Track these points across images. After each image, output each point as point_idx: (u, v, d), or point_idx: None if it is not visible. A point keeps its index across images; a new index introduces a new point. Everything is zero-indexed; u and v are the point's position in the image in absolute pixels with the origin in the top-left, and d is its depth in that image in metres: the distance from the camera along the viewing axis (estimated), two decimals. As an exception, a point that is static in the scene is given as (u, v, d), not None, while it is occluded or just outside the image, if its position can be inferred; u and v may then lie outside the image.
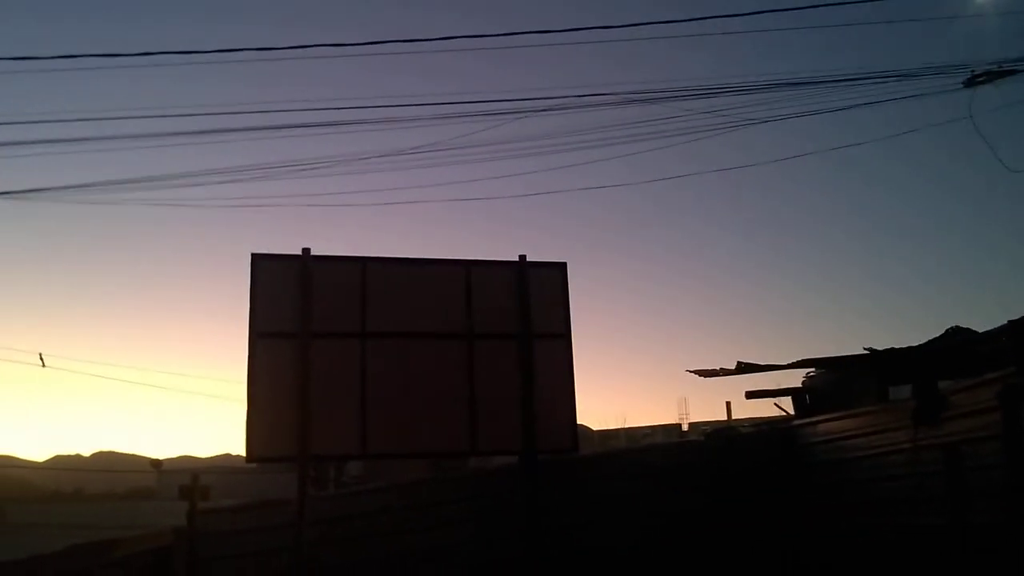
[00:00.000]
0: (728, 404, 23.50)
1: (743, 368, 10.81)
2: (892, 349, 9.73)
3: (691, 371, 11.81)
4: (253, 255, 10.56)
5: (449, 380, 10.87)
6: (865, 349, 9.85)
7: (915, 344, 9.66)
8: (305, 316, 10.43)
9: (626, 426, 23.11)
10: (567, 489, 10.75)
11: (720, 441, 10.98)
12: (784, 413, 12.53)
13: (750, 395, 12.15)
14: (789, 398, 11.98)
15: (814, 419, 10.21)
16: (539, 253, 12.16)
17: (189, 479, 11.26)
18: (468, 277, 11.14)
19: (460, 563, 10.50)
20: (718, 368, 11.21)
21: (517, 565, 10.07)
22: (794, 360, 10.64)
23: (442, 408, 10.79)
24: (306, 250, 10.71)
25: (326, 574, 10.12)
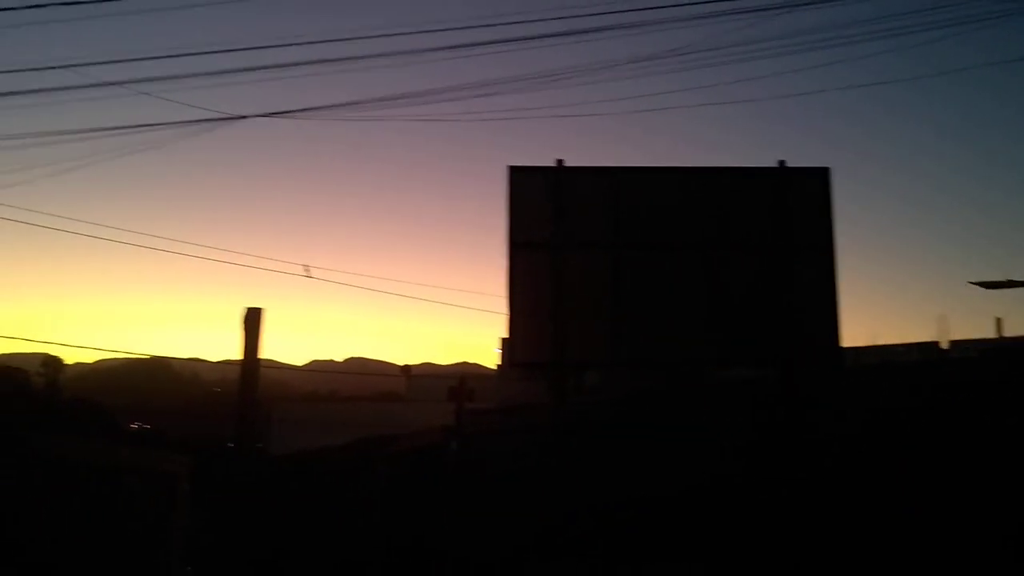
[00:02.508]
0: (999, 320, 21.60)
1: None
2: None
3: (974, 283, 10.94)
4: (509, 168, 10.79)
5: (702, 291, 10.70)
6: None
7: None
8: (560, 226, 10.59)
9: (877, 343, 21.87)
10: (830, 407, 10.36)
11: None
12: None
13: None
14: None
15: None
16: (798, 158, 11.57)
17: (434, 384, 11.90)
18: (724, 185, 10.84)
19: (706, 473, 10.44)
20: (1005, 279, 10.29)
21: (769, 481, 9.88)
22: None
23: (694, 318, 10.67)
24: (560, 162, 10.81)
25: (575, 474, 10.42)
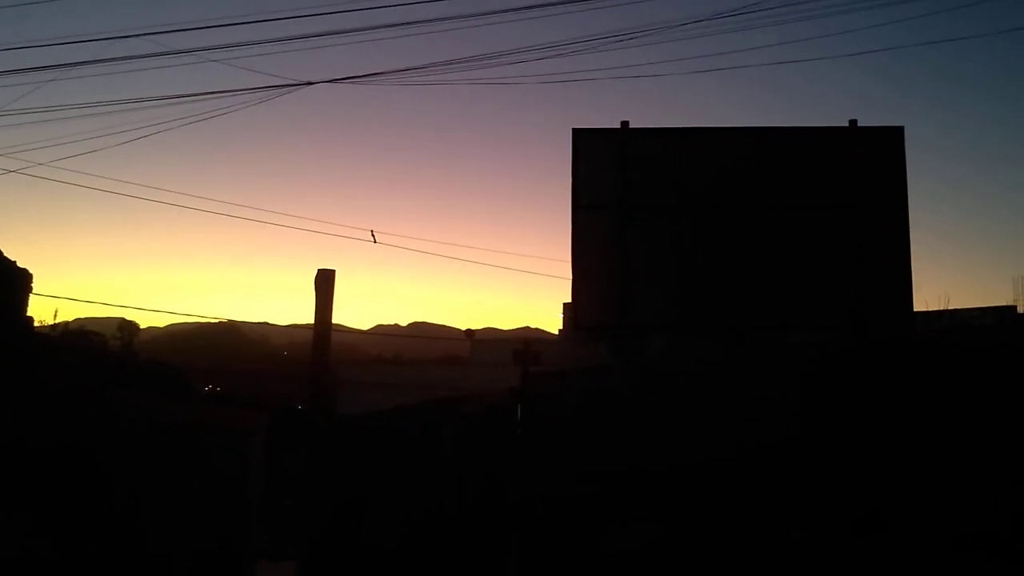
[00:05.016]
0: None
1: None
2: None
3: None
4: (574, 130, 10.77)
5: (770, 253, 10.59)
6: None
7: None
8: (625, 188, 10.57)
9: (949, 307, 21.34)
10: (903, 372, 10.20)
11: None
12: None
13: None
14: None
15: None
16: (871, 118, 11.34)
17: (497, 348, 12.02)
18: (793, 145, 10.68)
19: (770, 436, 10.39)
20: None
21: (833, 445, 9.80)
22: None
23: (761, 281, 10.58)
24: (625, 123, 10.76)
25: (640, 436, 10.46)
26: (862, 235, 10.33)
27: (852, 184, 10.44)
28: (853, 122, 10.58)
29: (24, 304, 9.84)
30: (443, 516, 9.65)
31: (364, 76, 15.66)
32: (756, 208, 10.68)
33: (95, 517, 8.56)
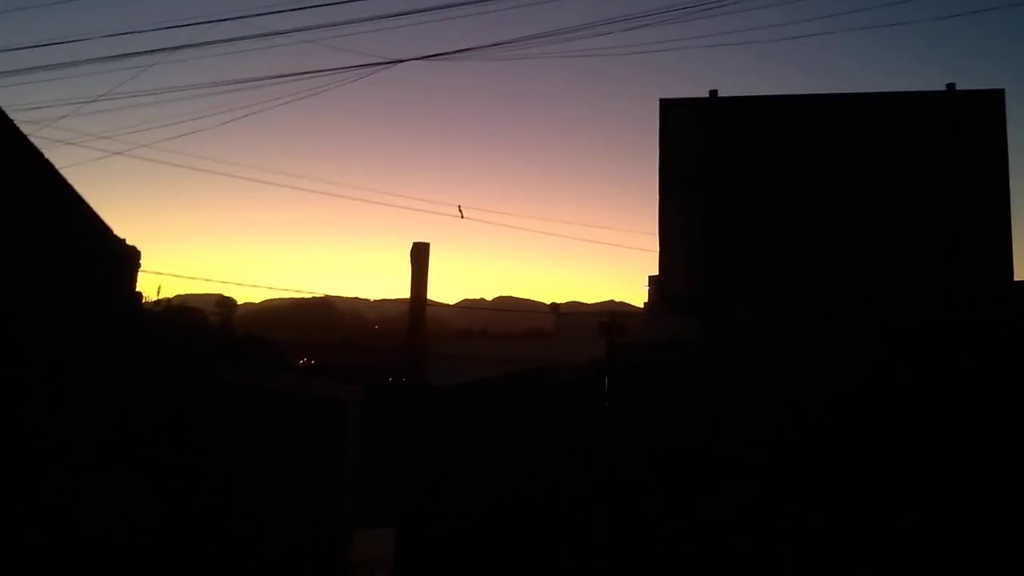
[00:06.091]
0: None
1: None
2: None
3: None
4: (661, 101, 10.70)
5: (863, 223, 10.36)
6: None
7: None
8: (713, 159, 10.47)
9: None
10: (1000, 347, 9.89)
11: None
12: None
13: None
14: None
15: None
16: (969, 82, 10.96)
17: (581, 322, 12.08)
18: (887, 111, 10.39)
19: (851, 408, 10.21)
20: None
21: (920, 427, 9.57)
22: None
23: (853, 252, 10.37)
24: (713, 92, 10.63)
25: (724, 405, 10.41)
26: (959, 204, 10.02)
27: (949, 151, 10.11)
28: (951, 86, 10.23)
29: (133, 280, 10.34)
30: (530, 486, 9.84)
31: (453, 52, 15.83)
32: (847, 177, 10.45)
33: (197, 483, 9.03)
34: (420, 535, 11.01)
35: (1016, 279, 10.48)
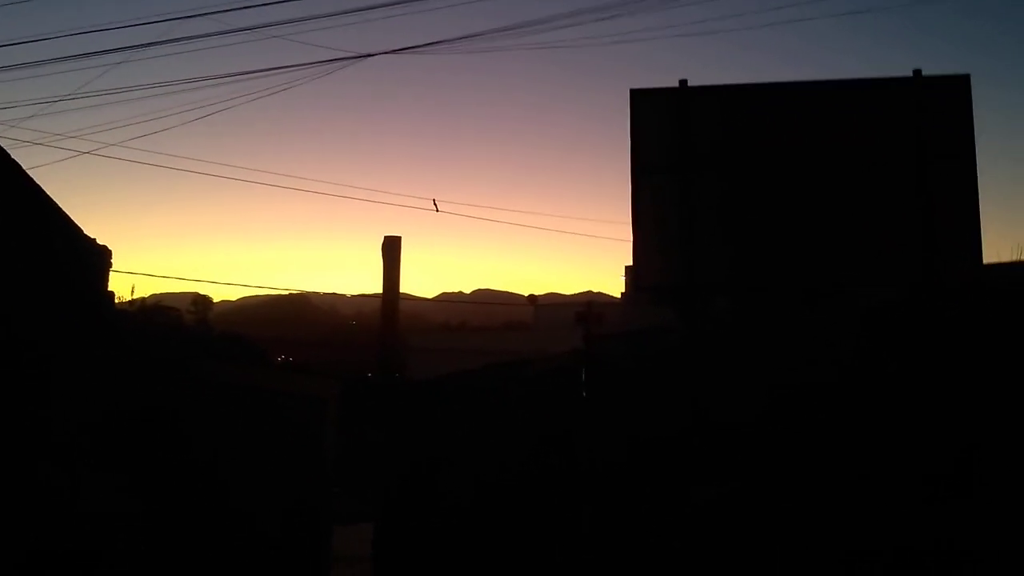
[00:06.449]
0: None
1: None
2: None
3: None
4: (632, 91, 10.72)
5: (834, 209, 10.47)
6: None
7: None
8: (685, 148, 10.52)
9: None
10: (972, 329, 10.04)
11: None
12: None
13: None
14: None
15: None
16: (934, 67, 11.08)
17: (560, 313, 12.13)
18: (855, 97, 10.48)
19: (831, 394, 10.34)
20: None
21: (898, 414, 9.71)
22: None
23: (826, 239, 10.47)
24: (683, 82, 10.67)
25: (705, 394, 10.51)
26: (931, 190, 10.14)
27: (918, 135, 10.23)
28: (917, 71, 10.34)
29: (105, 280, 10.26)
30: (511, 477, 9.89)
31: (423, 46, 15.82)
32: (819, 163, 10.54)
33: (179, 479, 9.01)
34: (400, 529, 11.04)
35: (985, 263, 10.63)
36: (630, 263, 10.94)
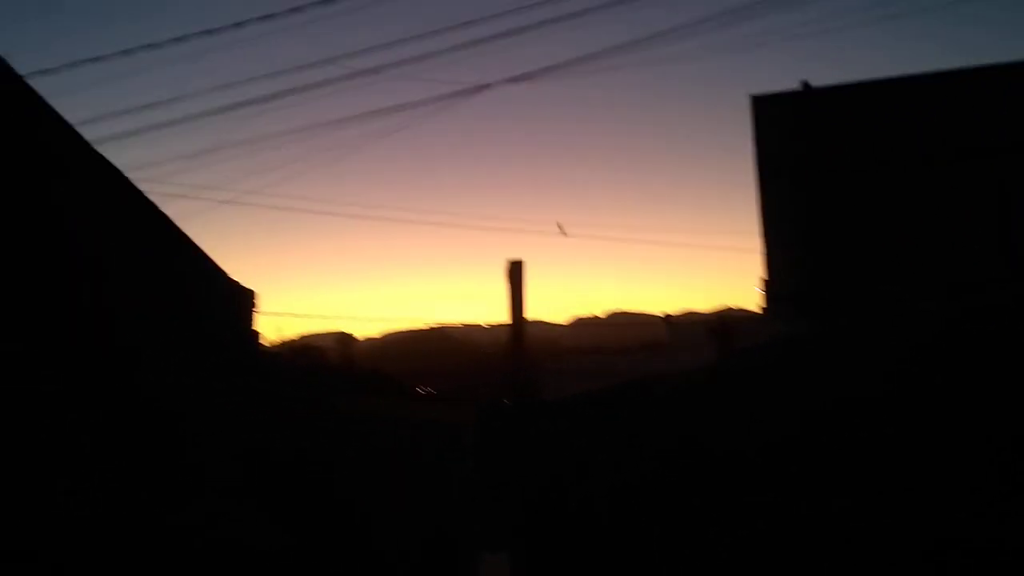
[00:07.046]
0: None
1: None
2: None
3: None
4: (752, 97, 10.52)
5: (974, 204, 9.95)
6: None
7: None
8: (809, 151, 10.27)
9: None
10: None
11: None
12: None
13: None
14: None
15: None
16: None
17: (697, 331, 11.92)
18: (989, 85, 9.96)
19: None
20: None
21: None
22: None
23: (973, 237, 9.97)
24: (804, 83, 10.43)
25: (829, 401, 10.10)
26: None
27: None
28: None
29: (251, 322, 10.81)
30: (646, 490, 9.79)
31: (537, 72, 16.05)
32: (956, 157, 10.07)
33: (325, 511, 9.34)
34: (541, 550, 11.06)
35: None
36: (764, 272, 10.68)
